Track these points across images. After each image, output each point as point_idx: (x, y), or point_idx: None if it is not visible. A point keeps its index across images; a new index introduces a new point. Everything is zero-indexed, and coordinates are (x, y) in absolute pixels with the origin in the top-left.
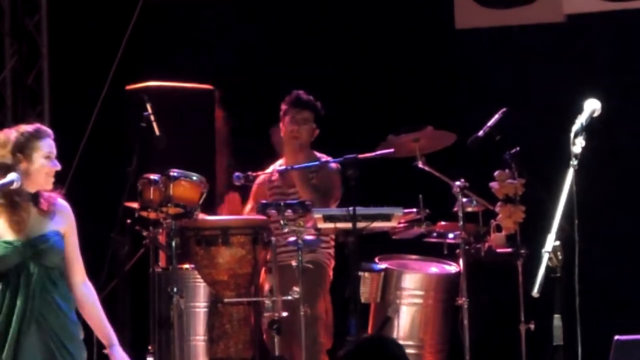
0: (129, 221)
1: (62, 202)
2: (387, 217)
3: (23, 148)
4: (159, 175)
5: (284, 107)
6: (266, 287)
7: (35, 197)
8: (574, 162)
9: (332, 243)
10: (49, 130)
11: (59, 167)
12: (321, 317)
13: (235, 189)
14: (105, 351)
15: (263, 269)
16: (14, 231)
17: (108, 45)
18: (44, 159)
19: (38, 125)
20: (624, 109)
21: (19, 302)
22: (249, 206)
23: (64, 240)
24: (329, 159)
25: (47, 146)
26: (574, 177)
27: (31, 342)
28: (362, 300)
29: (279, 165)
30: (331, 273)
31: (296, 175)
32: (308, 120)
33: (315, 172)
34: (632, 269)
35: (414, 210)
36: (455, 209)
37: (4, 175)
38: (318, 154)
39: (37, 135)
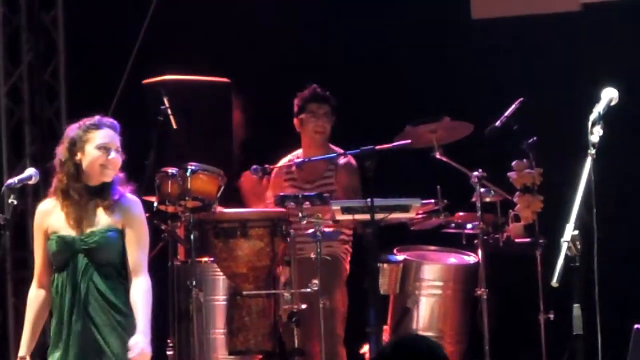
0: (147, 215)
1: (128, 198)
2: (405, 208)
3: (77, 141)
4: (176, 169)
5: (300, 101)
6: (282, 279)
7: (99, 191)
8: (592, 151)
9: (350, 237)
10: (110, 121)
11: (114, 158)
12: (339, 310)
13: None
14: None
15: (283, 261)
16: (69, 226)
17: (124, 39)
18: (97, 150)
19: (98, 117)
20: None
21: (67, 297)
22: (268, 193)
23: (123, 236)
24: (343, 151)
25: (102, 137)
26: (592, 166)
27: (81, 337)
28: (381, 292)
29: (295, 157)
30: (348, 266)
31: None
32: (328, 114)
33: (334, 169)
34: None
35: (432, 201)
36: (474, 199)
37: (75, 173)
38: (333, 147)
39: (91, 127)
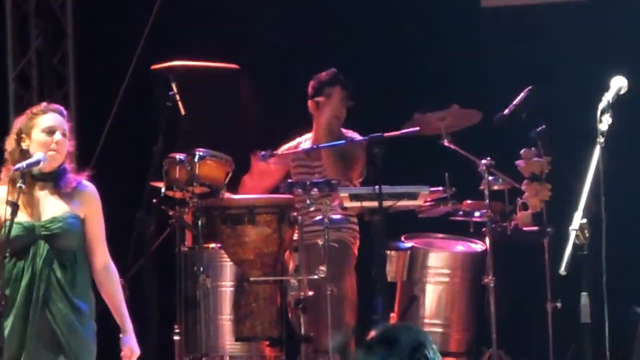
0: (155, 201)
1: (85, 184)
2: (413, 196)
3: (23, 129)
4: (184, 155)
5: (318, 84)
6: (291, 265)
7: (54, 178)
8: (601, 139)
9: (356, 222)
10: (56, 106)
11: (61, 140)
12: (347, 297)
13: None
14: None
15: (291, 248)
16: (27, 213)
17: (133, 25)
18: (42, 134)
19: (44, 103)
20: None
21: (23, 283)
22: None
23: (84, 223)
24: (356, 135)
25: (47, 121)
26: (600, 154)
27: (37, 324)
28: (389, 279)
29: (305, 139)
30: (356, 252)
31: (325, 152)
32: (346, 99)
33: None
34: None
35: (440, 188)
36: (482, 187)
37: (22, 160)
38: (344, 131)
39: (38, 113)
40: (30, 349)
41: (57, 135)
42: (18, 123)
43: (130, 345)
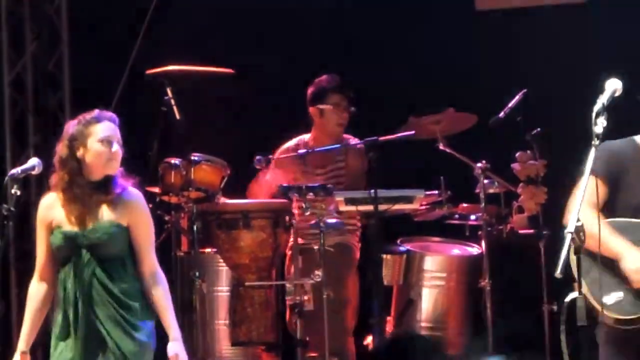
0: (150, 206)
1: (131, 192)
2: (408, 199)
3: (78, 136)
4: (180, 160)
5: (320, 90)
6: (292, 270)
7: (102, 186)
8: (596, 142)
9: (359, 225)
10: (109, 114)
11: (118, 150)
12: (349, 301)
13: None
14: None
15: (290, 252)
16: (71, 221)
17: (128, 30)
18: (99, 143)
19: (97, 110)
20: None
21: (71, 291)
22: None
23: (129, 231)
24: (353, 138)
25: (103, 130)
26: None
27: (85, 331)
28: (385, 283)
29: (303, 141)
30: (358, 255)
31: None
32: (349, 105)
33: (344, 151)
34: None
35: (436, 192)
36: (477, 190)
37: (67, 169)
38: (345, 136)
39: (91, 121)
40: (80, 354)
41: (115, 146)
42: (70, 129)
43: (177, 352)
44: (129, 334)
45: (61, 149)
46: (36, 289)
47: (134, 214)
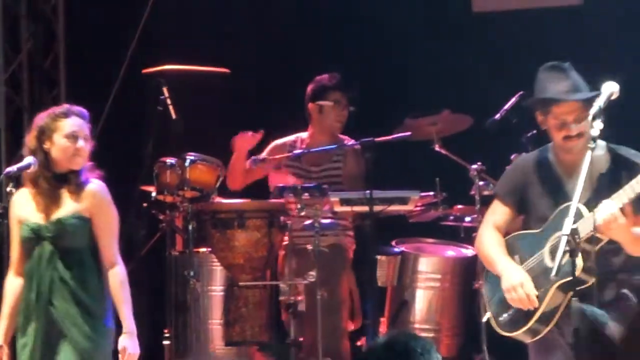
0: (145, 205)
1: (94, 185)
2: (404, 201)
3: (45, 129)
4: (175, 159)
5: (320, 87)
6: (286, 270)
7: (65, 179)
8: (592, 144)
9: (351, 226)
10: (78, 110)
11: (83, 147)
12: (344, 302)
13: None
14: None
15: (284, 252)
16: (37, 214)
17: (124, 29)
18: (65, 139)
19: (67, 105)
20: None
21: (34, 284)
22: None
23: (91, 223)
24: (349, 139)
25: (70, 125)
26: (595, 158)
27: (45, 324)
28: (379, 284)
29: (300, 139)
30: (352, 255)
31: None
32: (348, 104)
33: (343, 153)
34: None
35: (431, 193)
36: (472, 192)
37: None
38: (341, 137)
39: (59, 115)
40: (39, 345)
41: (80, 142)
42: (40, 121)
43: (125, 345)
44: (84, 330)
45: (29, 141)
46: (12, 284)
47: (96, 205)
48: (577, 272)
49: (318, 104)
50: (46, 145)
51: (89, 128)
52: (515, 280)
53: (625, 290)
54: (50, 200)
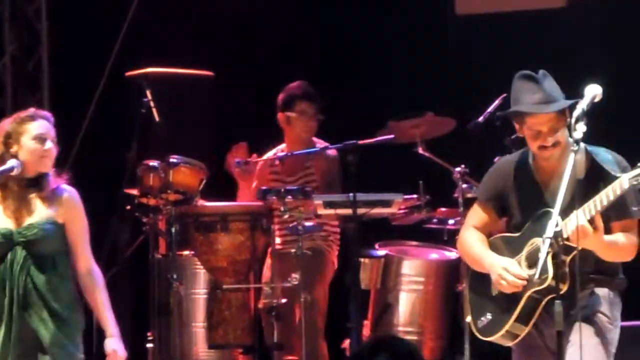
0: (128, 208)
1: (64, 189)
2: (387, 203)
3: (12, 133)
4: (158, 162)
5: (288, 97)
6: (268, 273)
7: (36, 183)
8: (576, 147)
9: (335, 230)
10: (44, 113)
11: (51, 148)
12: (320, 304)
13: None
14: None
15: (269, 256)
16: (6, 219)
17: (108, 32)
18: (33, 141)
19: (33, 109)
20: (624, 95)
21: (6, 290)
22: (254, 184)
23: (64, 228)
24: (325, 144)
25: (37, 128)
26: (575, 162)
27: (19, 330)
28: (362, 287)
29: (280, 150)
30: (335, 260)
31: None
32: (317, 113)
33: (313, 157)
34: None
35: (414, 196)
36: (456, 195)
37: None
38: (314, 140)
39: (26, 119)
40: (13, 354)
41: (48, 144)
42: (6, 126)
43: (114, 348)
44: (63, 342)
45: None
46: None
47: (69, 210)
48: (546, 283)
49: (286, 114)
50: (14, 149)
51: (55, 132)
52: (499, 268)
53: (598, 293)
54: (20, 204)
